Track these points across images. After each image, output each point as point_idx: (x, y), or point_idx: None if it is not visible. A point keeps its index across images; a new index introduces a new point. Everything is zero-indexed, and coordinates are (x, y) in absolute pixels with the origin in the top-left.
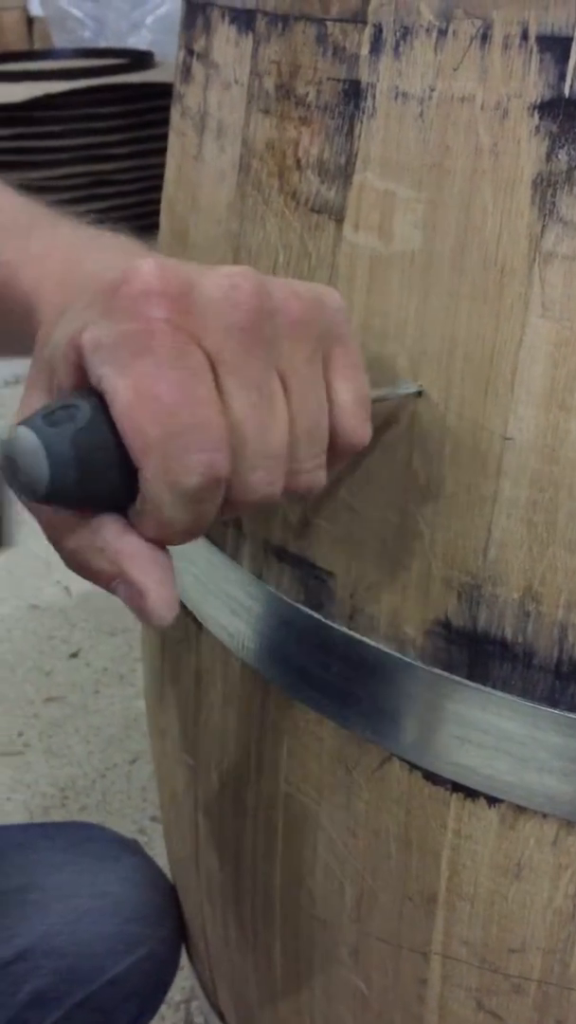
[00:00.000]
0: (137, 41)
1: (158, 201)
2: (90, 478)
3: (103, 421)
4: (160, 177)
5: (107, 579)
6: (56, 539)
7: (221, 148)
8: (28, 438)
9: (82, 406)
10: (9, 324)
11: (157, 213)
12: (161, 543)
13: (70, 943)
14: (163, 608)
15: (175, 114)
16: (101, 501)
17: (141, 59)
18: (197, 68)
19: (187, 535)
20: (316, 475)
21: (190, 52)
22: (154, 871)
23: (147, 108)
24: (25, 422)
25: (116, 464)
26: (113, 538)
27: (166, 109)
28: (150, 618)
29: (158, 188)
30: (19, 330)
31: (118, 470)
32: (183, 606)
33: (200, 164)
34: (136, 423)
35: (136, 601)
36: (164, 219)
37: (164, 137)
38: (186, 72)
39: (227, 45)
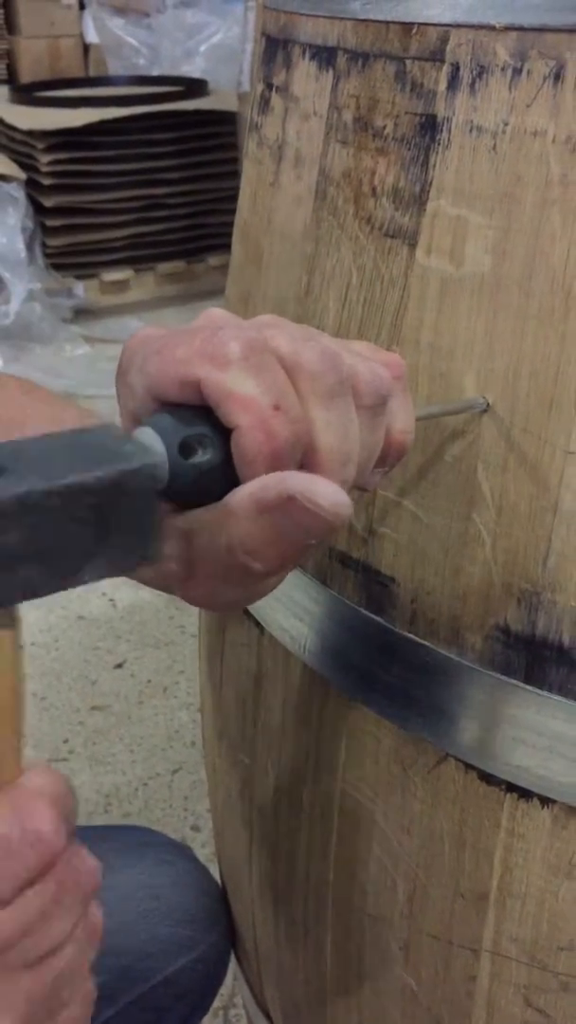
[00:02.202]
0: (190, 69)
1: (208, 225)
2: (205, 480)
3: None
4: (211, 202)
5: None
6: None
7: (298, 176)
8: (154, 441)
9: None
10: None
11: (207, 236)
12: None
13: (126, 943)
14: (338, 496)
15: (251, 143)
16: (208, 497)
17: (195, 87)
18: (276, 100)
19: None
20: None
21: (269, 85)
22: (206, 876)
23: (200, 135)
24: (151, 422)
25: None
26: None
27: (218, 136)
28: (336, 514)
29: (209, 212)
30: None
31: (229, 468)
32: (245, 610)
33: (276, 190)
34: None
35: (310, 507)
36: (237, 242)
37: (216, 163)
38: (264, 104)
39: (307, 79)
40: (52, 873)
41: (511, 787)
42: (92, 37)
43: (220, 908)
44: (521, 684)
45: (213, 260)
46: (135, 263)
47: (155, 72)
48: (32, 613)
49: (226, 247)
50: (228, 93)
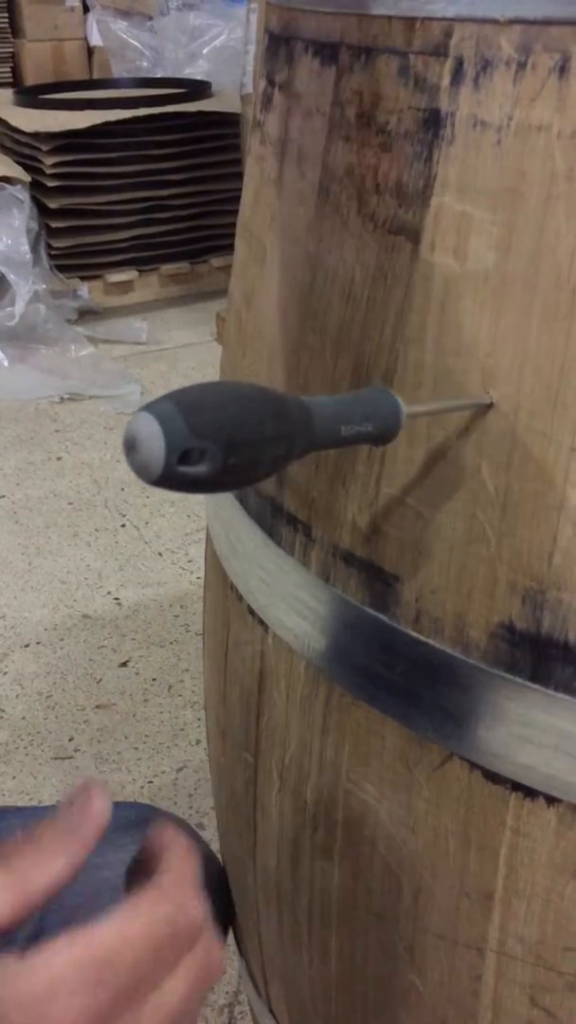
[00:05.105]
0: (193, 71)
1: (212, 226)
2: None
3: None
4: (214, 203)
5: None
6: None
7: (301, 173)
8: (151, 425)
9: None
10: None
11: (211, 238)
12: None
13: None
14: None
15: (254, 140)
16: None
17: (198, 88)
18: (278, 97)
19: None
20: None
21: (271, 82)
22: (207, 847)
23: (203, 136)
24: (151, 408)
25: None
26: None
27: (222, 137)
28: None
29: (212, 213)
30: None
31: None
32: (249, 609)
33: (279, 188)
34: None
35: None
36: (240, 240)
37: (219, 164)
38: (267, 101)
39: (309, 76)
40: (194, 954)
41: (516, 786)
42: (96, 40)
43: (223, 875)
44: (527, 683)
45: (216, 261)
46: (139, 264)
47: (158, 74)
48: (37, 612)
49: (230, 248)
50: (231, 95)
